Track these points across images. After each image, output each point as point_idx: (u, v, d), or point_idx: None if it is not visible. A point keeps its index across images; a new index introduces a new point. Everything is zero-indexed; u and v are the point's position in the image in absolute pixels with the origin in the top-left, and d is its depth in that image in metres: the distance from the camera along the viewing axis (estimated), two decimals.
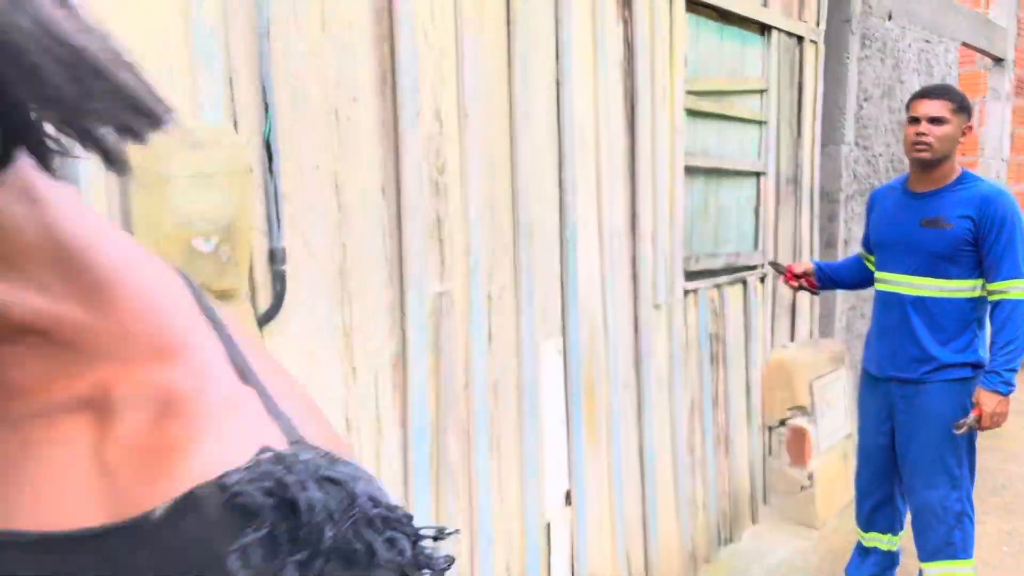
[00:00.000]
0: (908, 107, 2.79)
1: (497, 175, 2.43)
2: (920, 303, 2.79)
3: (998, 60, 6.80)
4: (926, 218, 2.75)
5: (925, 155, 2.71)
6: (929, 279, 2.76)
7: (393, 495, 2.05)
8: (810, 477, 3.93)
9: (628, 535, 3.06)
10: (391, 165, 2.12)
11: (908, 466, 2.90)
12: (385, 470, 2.13)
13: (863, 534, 3.20)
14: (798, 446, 3.93)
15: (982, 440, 5.37)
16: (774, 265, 3.40)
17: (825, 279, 3.25)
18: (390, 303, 2.13)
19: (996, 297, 2.66)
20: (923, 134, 2.69)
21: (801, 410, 3.94)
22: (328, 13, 1.94)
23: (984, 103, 7.03)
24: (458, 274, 2.31)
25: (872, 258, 3.06)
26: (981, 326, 2.81)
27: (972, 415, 2.69)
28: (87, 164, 1.51)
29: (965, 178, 2.77)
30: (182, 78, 1.68)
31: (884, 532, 3.13)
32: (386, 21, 2.09)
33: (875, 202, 3.04)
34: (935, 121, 2.68)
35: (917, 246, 2.77)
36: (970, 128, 2.76)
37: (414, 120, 2.13)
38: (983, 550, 3.76)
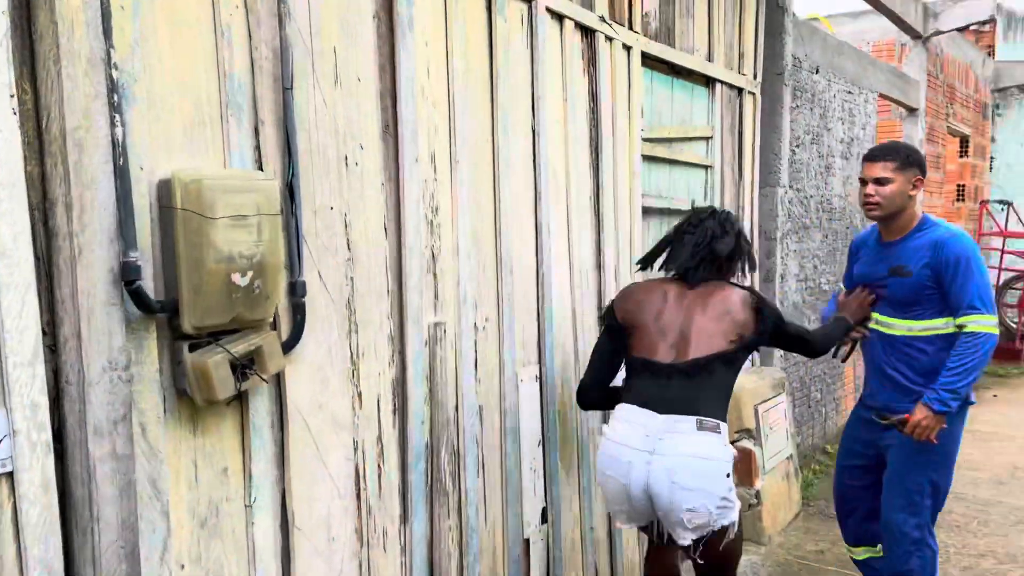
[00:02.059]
0: (861, 168, 3.04)
1: (483, 215, 2.65)
2: (899, 341, 2.99)
3: (912, 110, 7.39)
4: (892, 266, 2.99)
5: (875, 213, 2.96)
6: (903, 320, 2.97)
7: (394, 510, 2.22)
8: (757, 496, 4.20)
9: (597, 551, 3.27)
10: (392, 206, 2.31)
11: (884, 487, 3.06)
12: (386, 486, 2.30)
13: (852, 549, 3.35)
14: (746, 467, 4.21)
15: None
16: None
17: None
18: (391, 333, 2.31)
19: (957, 329, 2.85)
20: (870, 195, 2.95)
21: (747, 433, 4.22)
22: (340, 68, 2.14)
23: None
24: (450, 306, 2.51)
25: None
26: None
27: (899, 417, 2.90)
28: None
29: (924, 224, 2.96)
30: (214, 128, 1.85)
31: (873, 544, 3.28)
32: (388, 77, 2.30)
33: (855, 249, 3.30)
34: (879, 182, 2.92)
35: (887, 292, 3.02)
36: (920, 180, 2.95)
37: (413, 166, 2.34)
38: None
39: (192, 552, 1.81)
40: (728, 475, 2.42)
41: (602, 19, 3.18)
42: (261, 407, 1.94)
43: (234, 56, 1.87)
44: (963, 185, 9.61)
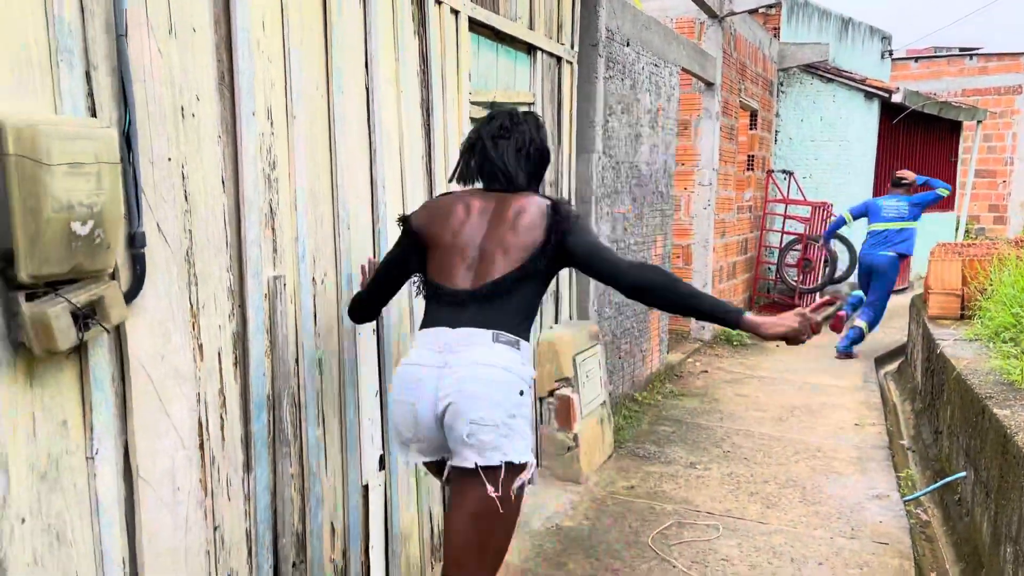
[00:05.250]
0: None
1: (319, 172, 2.70)
2: None
3: (709, 84, 8.02)
4: None
5: None
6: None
7: (238, 459, 2.27)
8: (575, 439, 4.55)
9: (431, 497, 3.44)
10: (230, 159, 2.32)
11: None
12: (229, 437, 2.33)
13: None
14: (565, 412, 4.54)
15: (703, 404, 6.35)
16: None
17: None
18: (231, 286, 2.33)
19: None
20: None
21: (566, 381, 4.54)
22: (174, 18, 2.11)
23: (699, 120, 8.26)
24: (288, 260, 2.55)
25: None
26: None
27: None
28: None
29: None
30: (43, 73, 1.79)
31: None
32: (223, 28, 2.29)
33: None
34: None
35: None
36: None
37: (250, 119, 2.35)
38: (711, 488, 4.59)
39: (32, 506, 1.78)
40: (522, 393, 2.22)
41: None
42: (102, 360, 1.92)
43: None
44: (753, 155, 10.56)
